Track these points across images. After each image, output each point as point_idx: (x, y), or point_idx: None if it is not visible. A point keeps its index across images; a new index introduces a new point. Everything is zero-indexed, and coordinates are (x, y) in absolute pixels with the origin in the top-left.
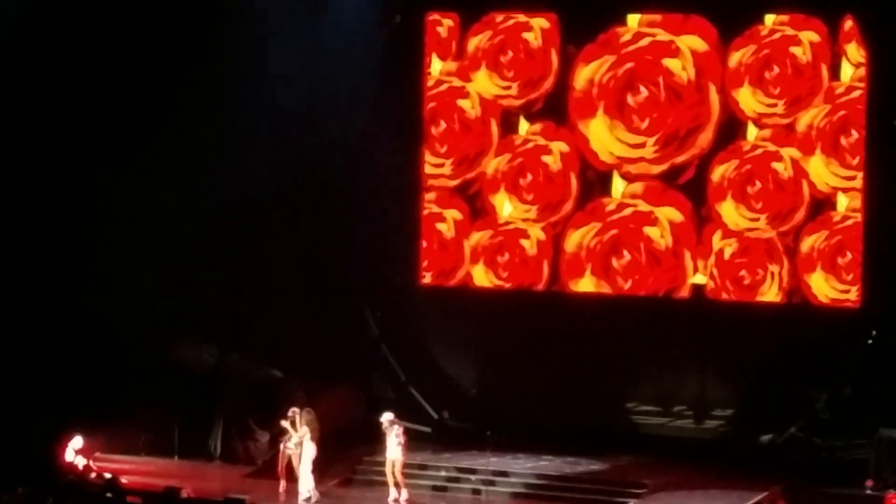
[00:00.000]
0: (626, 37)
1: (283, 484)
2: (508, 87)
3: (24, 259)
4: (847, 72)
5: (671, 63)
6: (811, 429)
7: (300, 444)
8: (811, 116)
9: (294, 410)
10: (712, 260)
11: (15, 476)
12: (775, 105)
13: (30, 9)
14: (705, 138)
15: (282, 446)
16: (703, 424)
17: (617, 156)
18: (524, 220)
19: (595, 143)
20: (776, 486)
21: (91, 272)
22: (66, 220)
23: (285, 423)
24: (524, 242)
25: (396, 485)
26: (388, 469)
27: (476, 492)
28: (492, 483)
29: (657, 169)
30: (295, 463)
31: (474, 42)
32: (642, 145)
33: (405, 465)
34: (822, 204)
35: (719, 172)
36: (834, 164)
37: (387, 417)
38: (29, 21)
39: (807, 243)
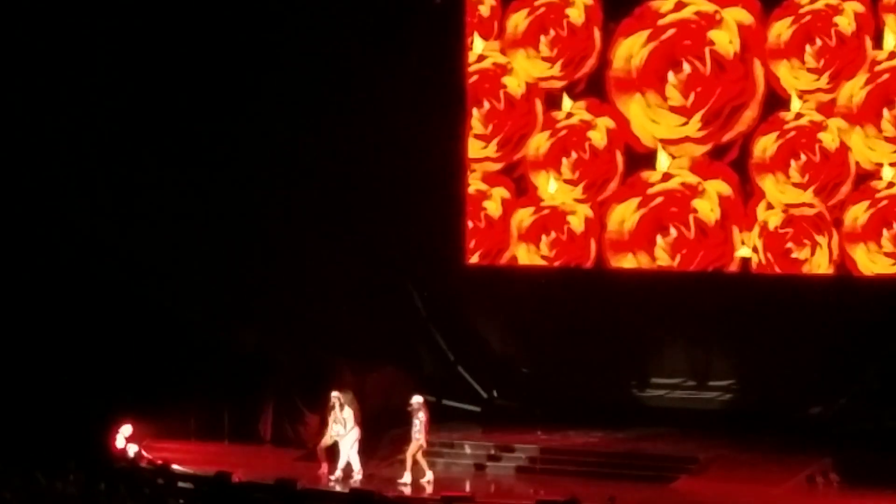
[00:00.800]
0: (668, 5)
1: (325, 466)
2: (551, 66)
3: (75, 247)
4: (889, 42)
5: (717, 35)
6: (861, 400)
7: (346, 427)
8: (853, 87)
9: (336, 395)
10: (757, 232)
11: (67, 463)
12: (818, 78)
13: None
14: (750, 115)
15: (328, 431)
16: (752, 398)
17: (659, 137)
18: (569, 197)
19: (636, 122)
20: (826, 458)
21: (140, 259)
22: (116, 206)
23: (333, 409)
24: (570, 220)
25: (415, 467)
26: (410, 451)
27: (527, 470)
28: (542, 461)
29: (701, 150)
30: (341, 446)
31: (515, 20)
32: (685, 123)
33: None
34: (866, 175)
35: (763, 146)
36: (877, 135)
37: (417, 400)
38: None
39: (851, 215)
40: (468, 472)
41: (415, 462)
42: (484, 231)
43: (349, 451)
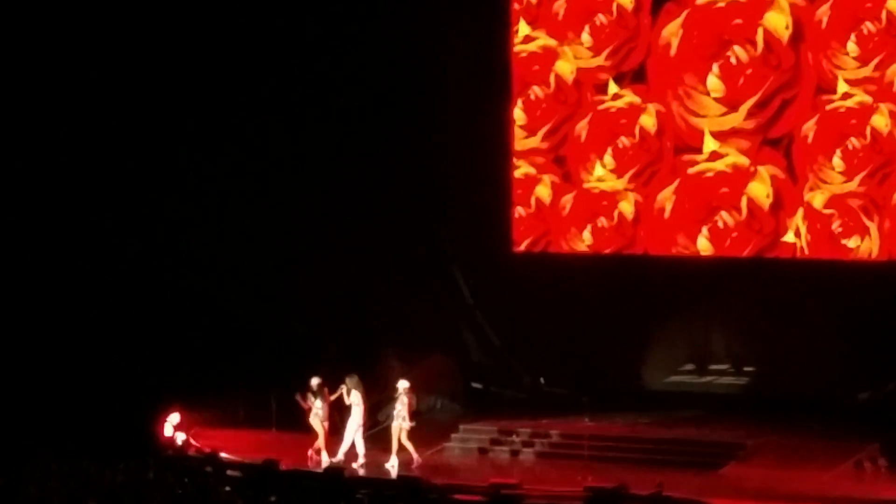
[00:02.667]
0: None
1: (317, 447)
2: (598, 52)
3: (123, 239)
4: None
5: (772, 17)
6: None
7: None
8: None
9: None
10: (802, 216)
11: (116, 452)
12: (867, 63)
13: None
14: (799, 106)
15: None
16: (800, 384)
17: (706, 129)
18: (618, 184)
19: (680, 114)
20: (874, 443)
21: (187, 249)
22: (165, 197)
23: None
24: (619, 206)
25: (402, 449)
26: (395, 434)
27: (576, 457)
28: (589, 447)
29: (746, 144)
30: (346, 431)
31: (561, 5)
32: (733, 112)
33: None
34: None
35: (812, 130)
36: None
37: (403, 385)
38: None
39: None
40: (514, 458)
41: (401, 446)
42: (532, 218)
43: (353, 435)
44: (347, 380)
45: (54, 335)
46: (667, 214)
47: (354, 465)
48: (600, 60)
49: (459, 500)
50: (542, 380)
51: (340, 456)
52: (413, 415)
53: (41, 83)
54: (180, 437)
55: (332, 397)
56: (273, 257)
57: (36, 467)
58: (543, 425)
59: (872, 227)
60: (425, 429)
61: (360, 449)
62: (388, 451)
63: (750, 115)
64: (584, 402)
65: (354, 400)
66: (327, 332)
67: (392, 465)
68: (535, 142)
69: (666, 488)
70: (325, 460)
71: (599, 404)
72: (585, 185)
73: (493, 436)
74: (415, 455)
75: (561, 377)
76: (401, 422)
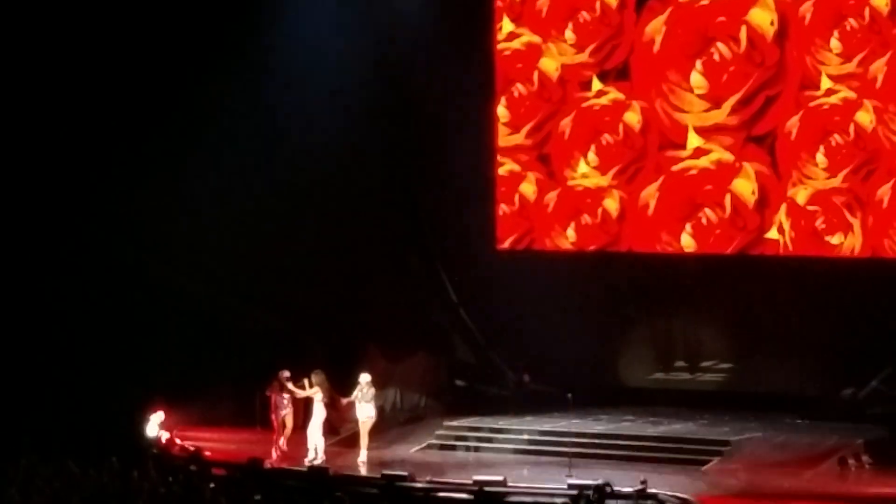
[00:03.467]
0: None
1: (283, 444)
2: (581, 49)
3: (106, 239)
4: None
5: (757, 14)
6: (892, 382)
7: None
8: (882, 67)
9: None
10: (786, 213)
11: (100, 451)
12: (850, 59)
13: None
14: (783, 102)
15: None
16: (784, 380)
17: (690, 125)
18: (600, 180)
19: (664, 110)
20: (858, 440)
21: (171, 249)
22: (146, 196)
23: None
24: (603, 203)
25: (364, 443)
26: (363, 429)
27: (560, 454)
28: (573, 445)
29: (730, 141)
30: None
31: (544, 2)
32: (716, 108)
33: None
34: (894, 155)
35: (795, 126)
36: None
37: (365, 379)
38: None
39: (878, 196)
40: (498, 456)
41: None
42: (515, 216)
43: (316, 433)
44: (313, 376)
45: (37, 336)
46: (650, 211)
47: (307, 461)
48: (584, 57)
49: (444, 498)
50: (525, 377)
51: (312, 454)
52: (329, 403)
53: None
54: (164, 436)
55: (299, 394)
56: (256, 256)
57: (19, 467)
58: (527, 422)
59: (856, 223)
60: (409, 426)
61: (320, 446)
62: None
63: (734, 111)
64: (569, 400)
65: (316, 396)
66: (311, 330)
67: (362, 461)
68: (519, 139)
69: (650, 485)
70: (274, 455)
71: (583, 401)
72: (570, 183)
73: (477, 433)
74: (364, 452)
75: (545, 374)
76: (366, 416)
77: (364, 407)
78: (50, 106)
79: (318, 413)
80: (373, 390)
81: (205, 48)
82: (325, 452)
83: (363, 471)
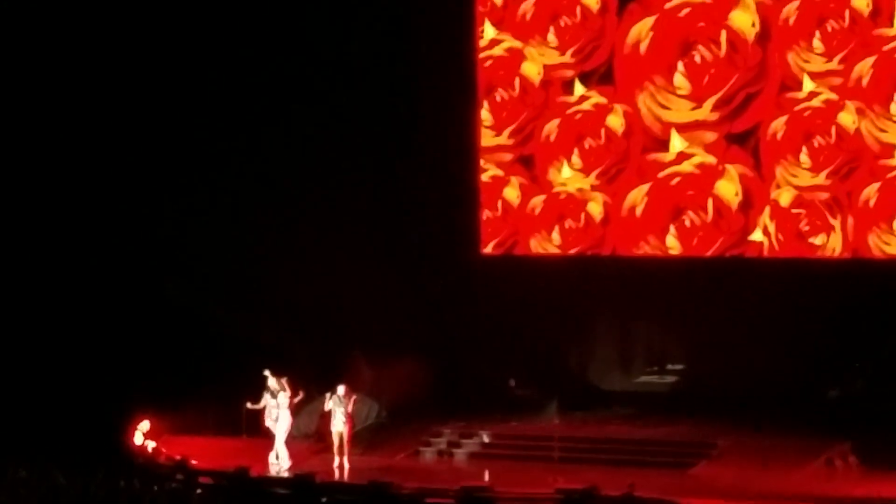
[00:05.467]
0: None
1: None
2: (563, 53)
3: (90, 247)
4: None
5: (738, 17)
6: (878, 382)
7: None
8: (865, 67)
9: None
10: (769, 215)
11: (86, 461)
12: (831, 59)
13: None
14: (764, 100)
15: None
16: (770, 382)
17: (673, 122)
18: (585, 184)
19: (648, 108)
20: (845, 440)
21: (155, 256)
22: (131, 203)
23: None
24: (585, 207)
25: (340, 451)
26: (336, 440)
27: (547, 459)
28: (560, 449)
29: (712, 137)
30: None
31: (527, 7)
32: (698, 107)
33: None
34: (878, 156)
35: (776, 128)
36: (887, 115)
37: (340, 390)
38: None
39: (863, 197)
40: (485, 461)
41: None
42: (499, 220)
43: (281, 440)
44: (278, 381)
45: (22, 344)
46: (638, 214)
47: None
48: (566, 58)
49: None
50: (511, 382)
51: (274, 458)
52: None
53: (18, 90)
54: (150, 445)
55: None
56: (242, 263)
57: (5, 477)
58: (513, 427)
59: (836, 224)
60: (395, 432)
61: (284, 453)
62: (364, 454)
63: (715, 108)
64: (554, 404)
65: (282, 402)
66: (296, 336)
67: (338, 466)
68: (501, 139)
69: (637, 488)
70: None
71: (569, 405)
72: (554, 189)
73: (463, 439)
74: (337, 459)
75: (530, 379)
76: (340, 425)
77: (339, 416)
78: (49, 106)
79: (284, 418)
80: (350, 399)
81: (187, 48)
82: (310, 459)
83: (338, 476)
